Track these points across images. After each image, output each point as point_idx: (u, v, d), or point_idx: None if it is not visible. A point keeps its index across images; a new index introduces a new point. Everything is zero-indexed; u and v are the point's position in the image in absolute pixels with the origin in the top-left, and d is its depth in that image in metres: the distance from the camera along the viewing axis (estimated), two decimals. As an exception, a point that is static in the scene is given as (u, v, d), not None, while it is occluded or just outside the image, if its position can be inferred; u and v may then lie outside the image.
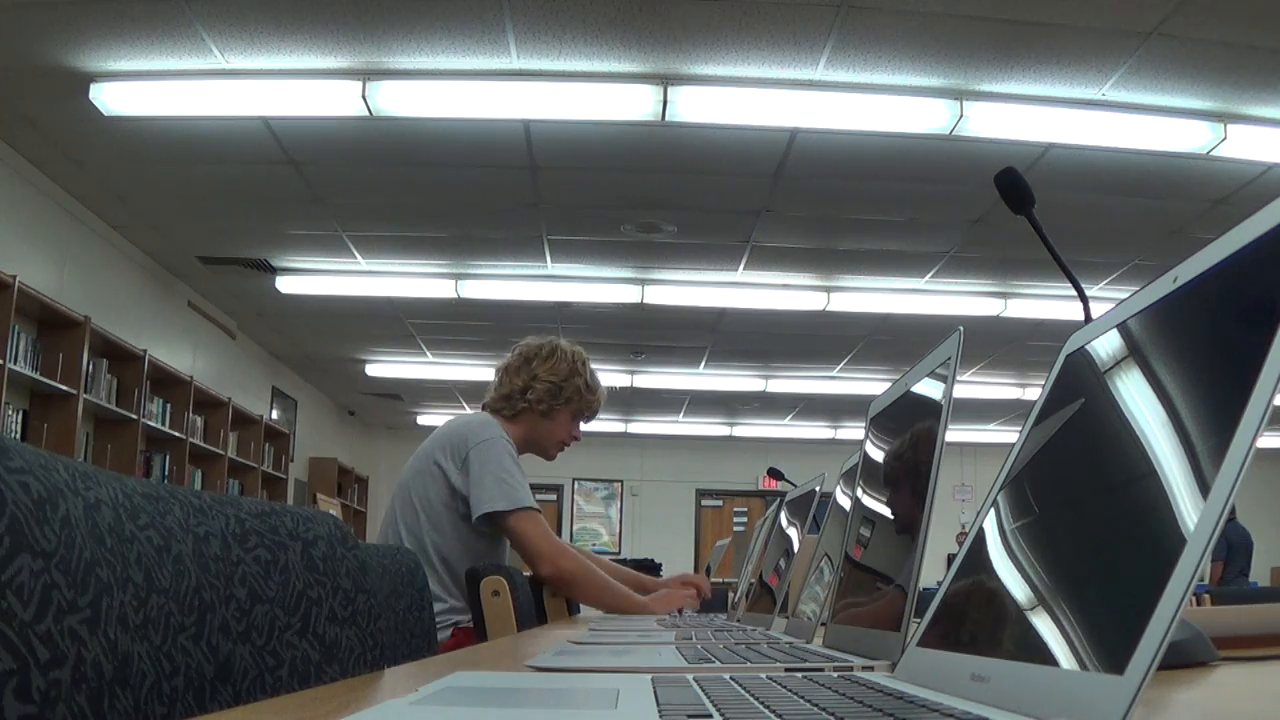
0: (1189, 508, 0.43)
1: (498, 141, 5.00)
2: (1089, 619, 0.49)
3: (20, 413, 5.51)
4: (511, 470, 2.47)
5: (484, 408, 2.73)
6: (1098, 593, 0.50)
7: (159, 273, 7.16)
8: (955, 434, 10.92)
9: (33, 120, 4.88)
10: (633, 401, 11.15)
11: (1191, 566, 0.41)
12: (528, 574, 2.65)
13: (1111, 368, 0.61)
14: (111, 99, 4.51)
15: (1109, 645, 0.45)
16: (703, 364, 9.55)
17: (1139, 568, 0.46)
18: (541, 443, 2.73)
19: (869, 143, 4.89)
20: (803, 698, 0.61)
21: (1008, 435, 11.27)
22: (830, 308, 7.40)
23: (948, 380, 0.93)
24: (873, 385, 9.34)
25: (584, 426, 2.82)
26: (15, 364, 5.17)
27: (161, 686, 0.61)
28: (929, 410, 0.96)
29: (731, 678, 0.75)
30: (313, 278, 7.14)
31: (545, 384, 2.65)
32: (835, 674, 0.81)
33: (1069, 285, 1.23)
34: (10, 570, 0.46)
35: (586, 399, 2.74)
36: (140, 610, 0.61)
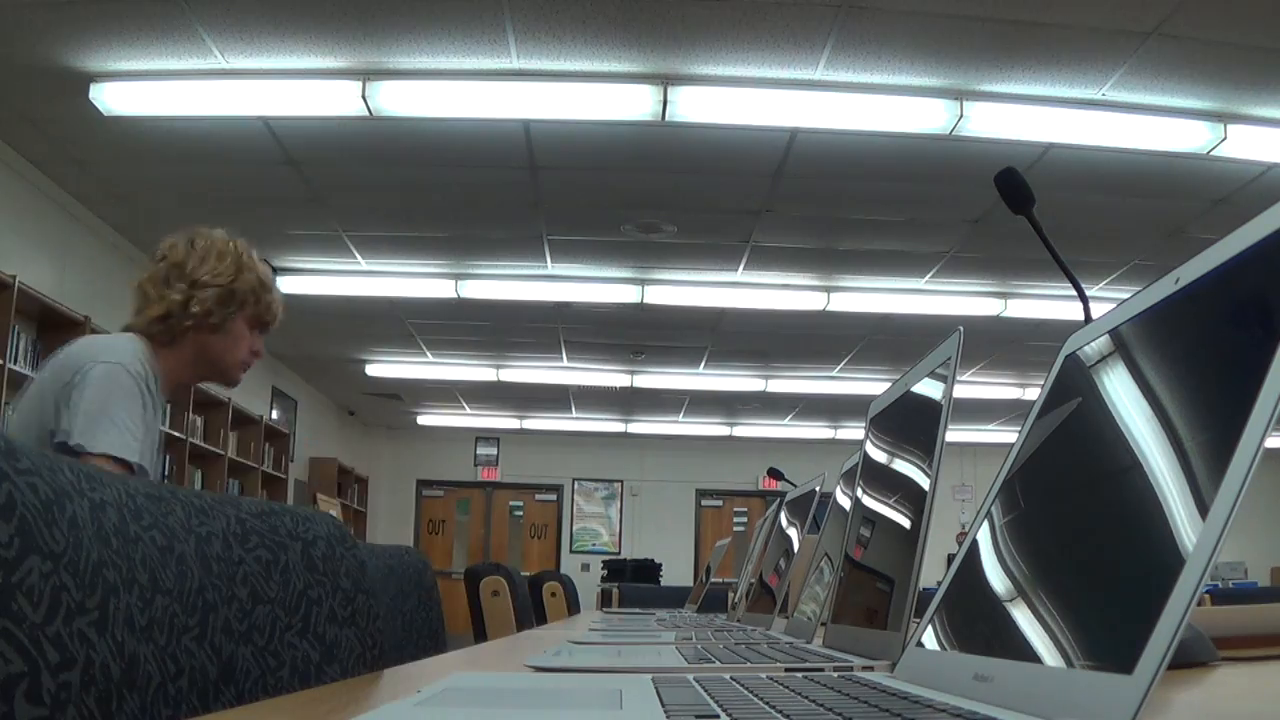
0: (1199, 507, 0.43)
1: (498, 141, 5.00)
2: (1095, 617, 0.49)
3: (20, 413, 5.50)
4: (110, 407, 1.87)
5: (129, 329, 2.11)
6: (1104, 591, 0.49)
7: (159, 273, 7.14)
8: (955, 434, 10.91)
9: (33, 120, 4.88)
10: (633, 401, 11.14)
11: (1203, 563, 0.40)
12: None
13: (1110, 369, 0.61)
14: (111, 99, 4.51)
15: (1117, 644, 0.44)
16: (703, 364, 9.54)
17: (1148, 564, 0.45)
18: (219, 364, 2.16)
19: (869, 143, 4.89)
20: (804, 697, 0.61)
21: (1008, 435, 11.26)
22: (830, 308, 7.40)
23: (948, 380, 0.93)
24: (873, 385, 9.33)
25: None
26: (15, 364, 5.16)
27: (167, 688, 0.61)
28: (929, 410, 0.97)
29: (732, 678, 0.75)
30: (313, 278, 7.14)
31: (213, 290, 2.09)
32: (835, 674, 0.82)
33: (1069, 285, 1.23)
34: (21, 572, 0.47)
35: (265, 301, 2.19)
36: (146, 611, 0.61)
